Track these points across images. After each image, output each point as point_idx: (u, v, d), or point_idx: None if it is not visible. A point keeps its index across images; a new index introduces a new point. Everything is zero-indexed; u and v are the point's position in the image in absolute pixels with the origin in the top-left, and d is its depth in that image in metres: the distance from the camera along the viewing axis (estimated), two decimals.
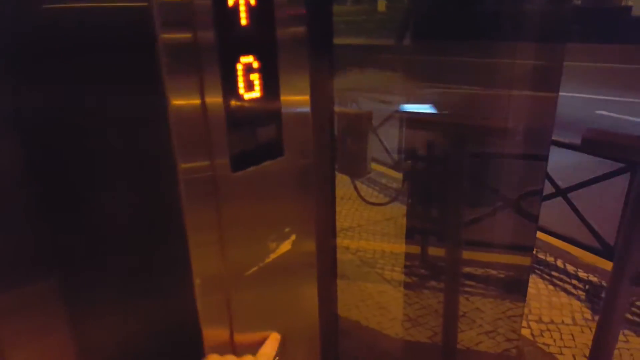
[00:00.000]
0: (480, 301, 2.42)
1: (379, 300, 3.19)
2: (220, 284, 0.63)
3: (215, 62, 0.58)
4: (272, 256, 0.67)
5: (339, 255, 3.64)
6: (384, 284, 3.38)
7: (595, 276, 3.49)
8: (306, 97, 0.67)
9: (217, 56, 0.58)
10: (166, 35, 0.56)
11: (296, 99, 0.67)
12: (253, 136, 0.62)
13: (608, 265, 3.54)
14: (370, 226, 4.07)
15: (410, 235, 2.14)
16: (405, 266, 2.97)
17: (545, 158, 1.33)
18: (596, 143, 1.42)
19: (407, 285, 3.06)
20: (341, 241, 3.89)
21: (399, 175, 4.64)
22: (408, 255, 2.69)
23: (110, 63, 0.62)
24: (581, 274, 3.53)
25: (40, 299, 0.77)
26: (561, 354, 2.78)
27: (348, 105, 4.04)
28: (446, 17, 1.23)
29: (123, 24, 0.61)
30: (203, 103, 0.58)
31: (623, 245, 1.29)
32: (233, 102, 0.59)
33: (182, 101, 0.57)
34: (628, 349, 2.79)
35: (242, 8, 0.58)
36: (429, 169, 1.55)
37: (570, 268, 3.58)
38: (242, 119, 0.60)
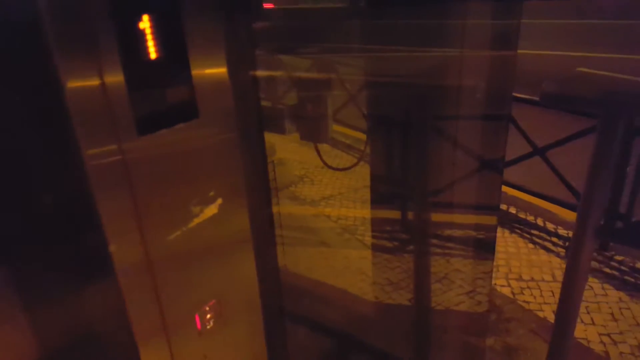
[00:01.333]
0: (459, 262, 2.42)
1: (360, 266, 3.19)
2: (141, 252, 0.59)
3: (111, 28, 0.52)
4: (197, 220, 0.63)
5: (320, 224, 3.62)
6: (365, 250, 3.38)
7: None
8: (222, 59, 0.61)
9: (112, 21, 0.52)
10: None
11: (211, 61, 0.61)
12: (160, 99, 0.57)
13: None
14: (351, 194, 4.05)
15: (378, 200, 2.11)
16: (385, 231, 2.96)
17: (507, 117, 1.29)
18: (556, 96, 1.37)
19: (387, 250, 3.06)
20: (322, 209, 3.87)
21: None
22: (388, 221, 2.68)
23: None
24: (561, 231, 3.55)
25: None
26: (541, 310, 2.81)
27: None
28: None
29: None
30: (100, 71, 0.53)
31: (586, 196, 1.27)
32: (132, 65, 0.53)
33: (78, 82, 0.52)
34: (607, 302, 2.83)
35: None
36: (390, 132, 1.50)
37: (550, 226, 3.60)
38: (145, 82, 0.55)
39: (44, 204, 0.68)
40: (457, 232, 1.73)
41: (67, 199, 0.63)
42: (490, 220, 1.59)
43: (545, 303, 2.87)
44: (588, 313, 2.76)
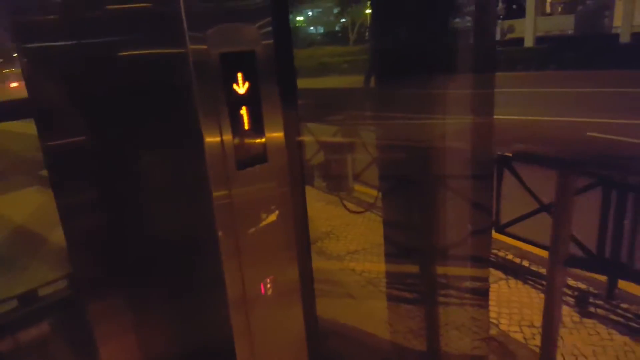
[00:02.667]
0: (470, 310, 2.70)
1: (383, 315, 3.46)
2: (234, 238, 1.03)
3: (226, 111, 0.99)
4: (263, 223, 1.08)
5: (346, 277, 3.94)
6: (391, 302, 3.66)
7: (583, 284, 3.75)
8: (281, 128, 1.09)
9: (226, 108, 0.99)
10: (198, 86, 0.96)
11: (275, 129, 1.09)
12: (249, 150, 1.04)
13: (595, 275, 3.81)
14: (375, 249, 4.38)
15: (393, 254, 2.44)
16: (404, 283, 3.26)
17: (489, 176, 1.66)
18: (524, 155, 1.76)
19: (408, 301, 3.35)
20: (347, 264, 4.20)
21: None
22: (406, 274, 2.99)
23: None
24: (571, 282, 3.78)
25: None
26: None
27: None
28: (403, 57, 1.61)
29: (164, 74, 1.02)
30: (220, 130, 0.98)
31: (555, 235, 1.62)
32: (236, 131, 1.01)
33: (213, 143, 0.99)
34: (612, 346, 3.04)
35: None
36: (399, 191, 1.87)
37: None
38: (242, 140, 1.02)
39: (170, 234, 1.13)
40: (458, 283, 2.02)
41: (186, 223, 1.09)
42: (483, 272, 1.91)
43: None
44: (595, 356, 2.97)
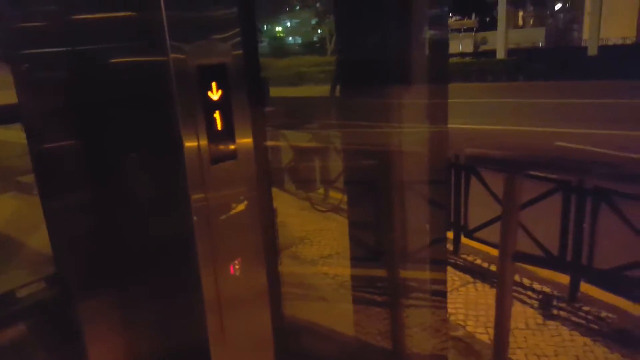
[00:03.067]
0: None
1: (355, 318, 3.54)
2: (207, 222, 1.14)
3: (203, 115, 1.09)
4: (233, 211, 1.20)
5: (319, 281, 4.01)
6: (358, 304, 3.73)
7: (548, 287, 3.89)
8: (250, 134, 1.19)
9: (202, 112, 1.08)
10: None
11: (244, 134, 1.21)
12: (220, 149, 1.12)
13: (561, 278, 3.96)
14: (347, 253, 4.45)
15: (359, 258, 2.52)
16: (373, 286, 3.34)
17: (445, 182, 1.77)
18: (474, 157, 1.87)
19: (373, 303, 3.43)
20: (320, 268, 4.26)
21: None
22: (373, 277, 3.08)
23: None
24: (536, 285, 3.92)
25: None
26: (514, 353, 3.14)
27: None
28: (364, 68, 1.70)
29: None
30: (197, 135, 1.08)
31: (503, 233, 1.73)
32: (210, 133, 1.10)
33: (190, 143, 1.08)
34: (573, 347, 3.17)
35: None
36: (363, 196, 1.96)
37: (526, 281, 3.98)
38: (214, 141, 1.11)
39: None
40: (418, 285, 2.11)
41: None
42: (441, 275, 2.01)
43: (518, 347, 3.20)
44: (556, 356, 3.09)
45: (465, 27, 34.31)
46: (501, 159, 1.78)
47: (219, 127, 1.12)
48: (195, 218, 1.10)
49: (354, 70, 1.74)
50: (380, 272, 2.30)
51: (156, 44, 1.04)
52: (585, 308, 3.55)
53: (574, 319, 3.45)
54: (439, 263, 1.94)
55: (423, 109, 1.64)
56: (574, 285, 3.69)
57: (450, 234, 4.58)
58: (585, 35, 26.60)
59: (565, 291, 3.76)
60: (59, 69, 1.16)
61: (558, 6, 39.16)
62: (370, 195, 1.88)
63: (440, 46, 1.63)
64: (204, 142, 1.11)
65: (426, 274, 2.07)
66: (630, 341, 3.21)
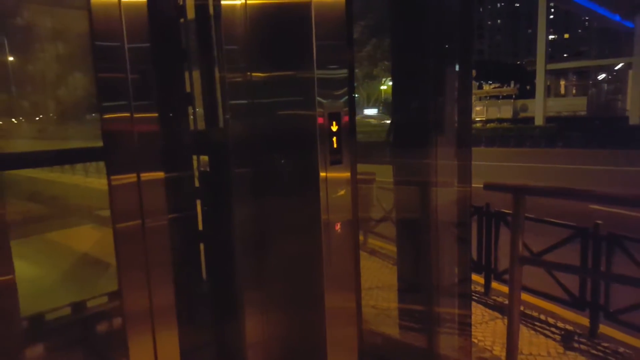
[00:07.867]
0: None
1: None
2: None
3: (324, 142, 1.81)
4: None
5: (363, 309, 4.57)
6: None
7: (570, 326, 4.30)
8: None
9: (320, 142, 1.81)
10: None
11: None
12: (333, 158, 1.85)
13: (581, 320, 4.36)
14: (384, 285, 5.01)
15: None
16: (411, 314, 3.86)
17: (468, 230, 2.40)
18: (490, 185, 2.48)
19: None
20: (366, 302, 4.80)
21: None
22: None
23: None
24: (560, 324, 4.34)
25: None
26: None
27: None
28: (411, 125, 2.39)
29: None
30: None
31: (512, 240, 2.31)
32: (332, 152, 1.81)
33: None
34: None
35: None
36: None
37: (551, 320, 4.40)
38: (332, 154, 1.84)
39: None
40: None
41: None
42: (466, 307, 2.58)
43: None
44: None
45: (503, 95, 35.10)
46: (511, 186, 2.39)
47: (335, 146, 1.83)
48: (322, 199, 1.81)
49: (403, 128, 2.45)
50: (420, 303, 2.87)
51: (306, 95, 1.79)
52: (604, 344, 3.94)
53: (593, 351, 3.84)
54: (465, 296, 2.51)
55: (451, 167, 2.29)
56: (594, 323, 4.09)
57: (480, 278, 5.08)
58: (628, 105, 26.78)
59: (585, 330, 4.16)
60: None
61: (601, 76, 39.52)
62: (415, 237, 2.51)
63: (464, 113, 2.28)
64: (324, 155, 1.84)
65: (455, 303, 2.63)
66: None
